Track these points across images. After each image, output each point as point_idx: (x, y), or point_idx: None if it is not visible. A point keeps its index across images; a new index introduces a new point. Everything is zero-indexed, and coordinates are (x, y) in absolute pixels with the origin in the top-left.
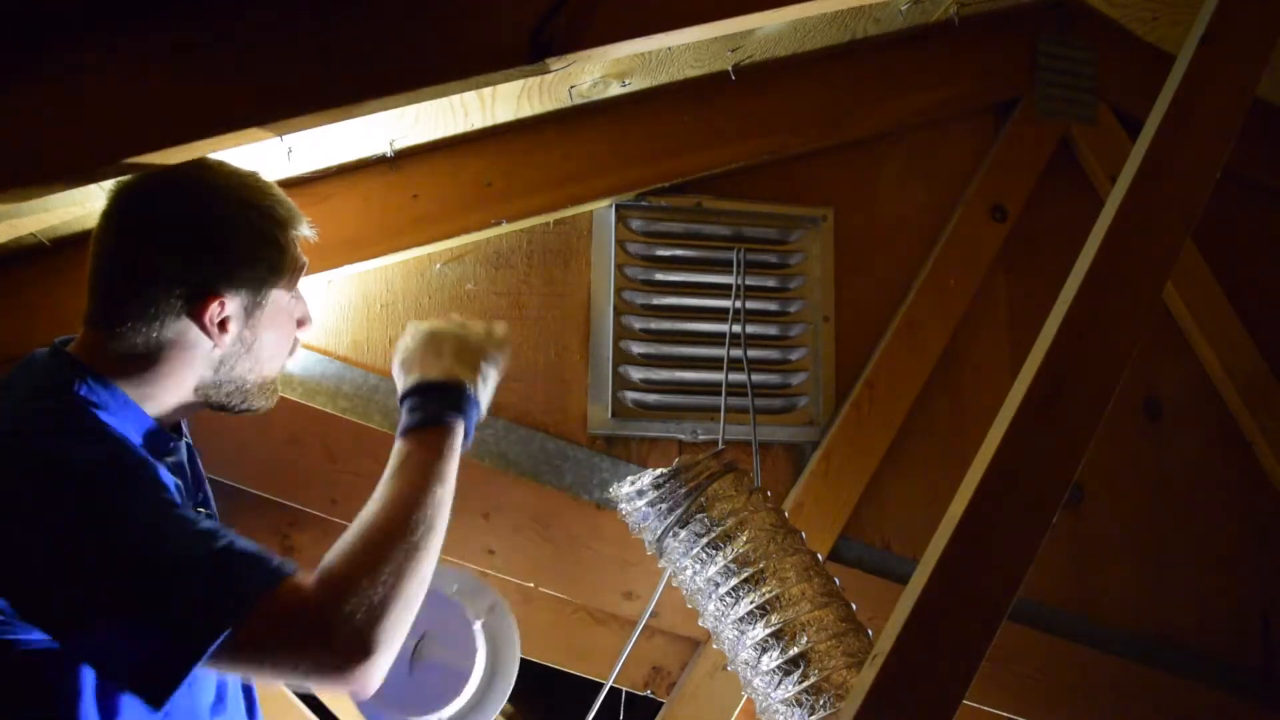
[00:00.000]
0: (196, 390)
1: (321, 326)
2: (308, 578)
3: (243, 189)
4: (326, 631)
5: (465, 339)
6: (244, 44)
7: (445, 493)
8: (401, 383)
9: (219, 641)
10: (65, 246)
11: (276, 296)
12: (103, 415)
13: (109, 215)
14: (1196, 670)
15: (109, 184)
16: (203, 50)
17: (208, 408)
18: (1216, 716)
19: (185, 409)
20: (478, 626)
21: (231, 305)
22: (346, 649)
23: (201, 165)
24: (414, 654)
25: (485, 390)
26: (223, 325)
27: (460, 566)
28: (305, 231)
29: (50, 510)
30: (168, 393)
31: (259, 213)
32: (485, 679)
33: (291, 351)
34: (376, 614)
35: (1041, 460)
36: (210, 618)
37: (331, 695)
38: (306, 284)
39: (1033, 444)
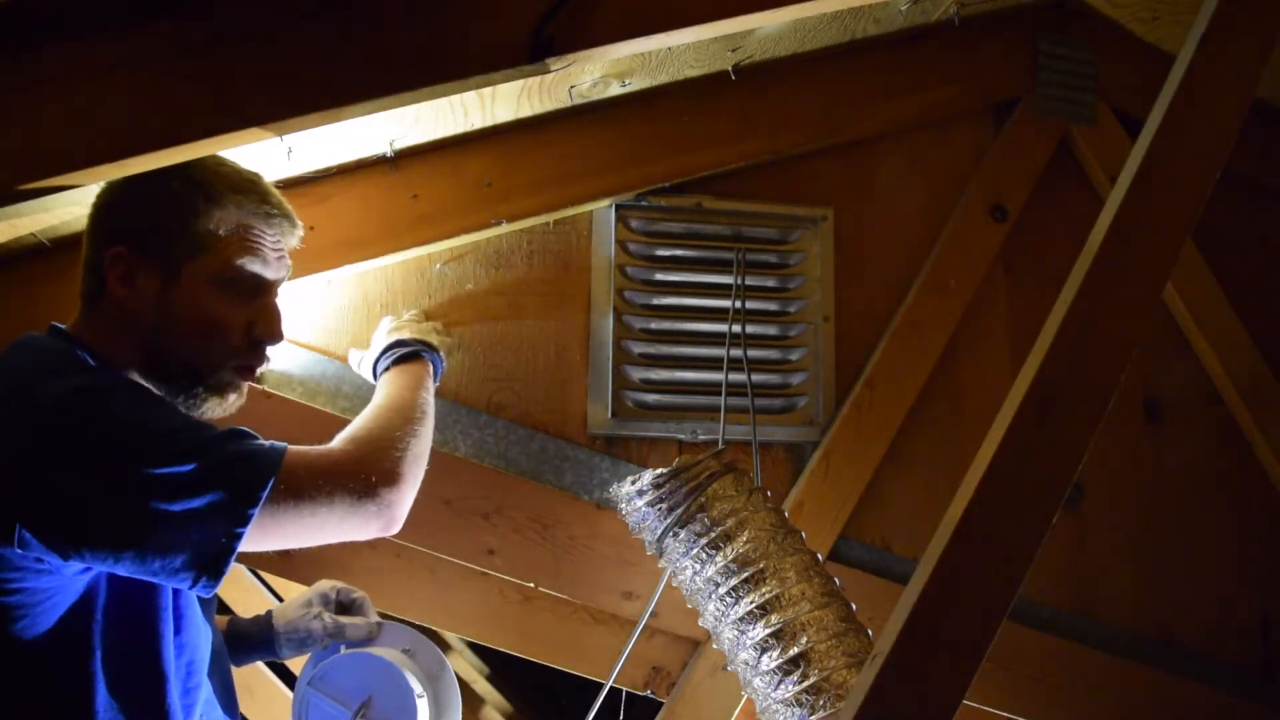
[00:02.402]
0: (144, 368)
1: (321, 327)
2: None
3: (188, 165)
4: (362, 462)
5: (422, 323)
6: (244, 44)
7: (430, 402)
8: (376, 349)
9: (267, 489)
10: (65, 246)
11: (195, 274)
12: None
13: None
14: (1196, 670)
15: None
16: (203, 50)
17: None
18: (1216, 716)
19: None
20: (422, 702)
21: (137, 263)
22: (381, 475)
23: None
24: (355, 715)
25: (444, 358)
26: (128, 280)
27: (461, 565)
28: (250, 220)
29: (95, 437)
30: (130, 371)
31: (180, 179)
32: None
33: (237, 353)
34: (399, 453)
35: (1041, 460)
36: (257, 471)
37: (364, 535)
38: (303, 285)
39: (1033, 444)
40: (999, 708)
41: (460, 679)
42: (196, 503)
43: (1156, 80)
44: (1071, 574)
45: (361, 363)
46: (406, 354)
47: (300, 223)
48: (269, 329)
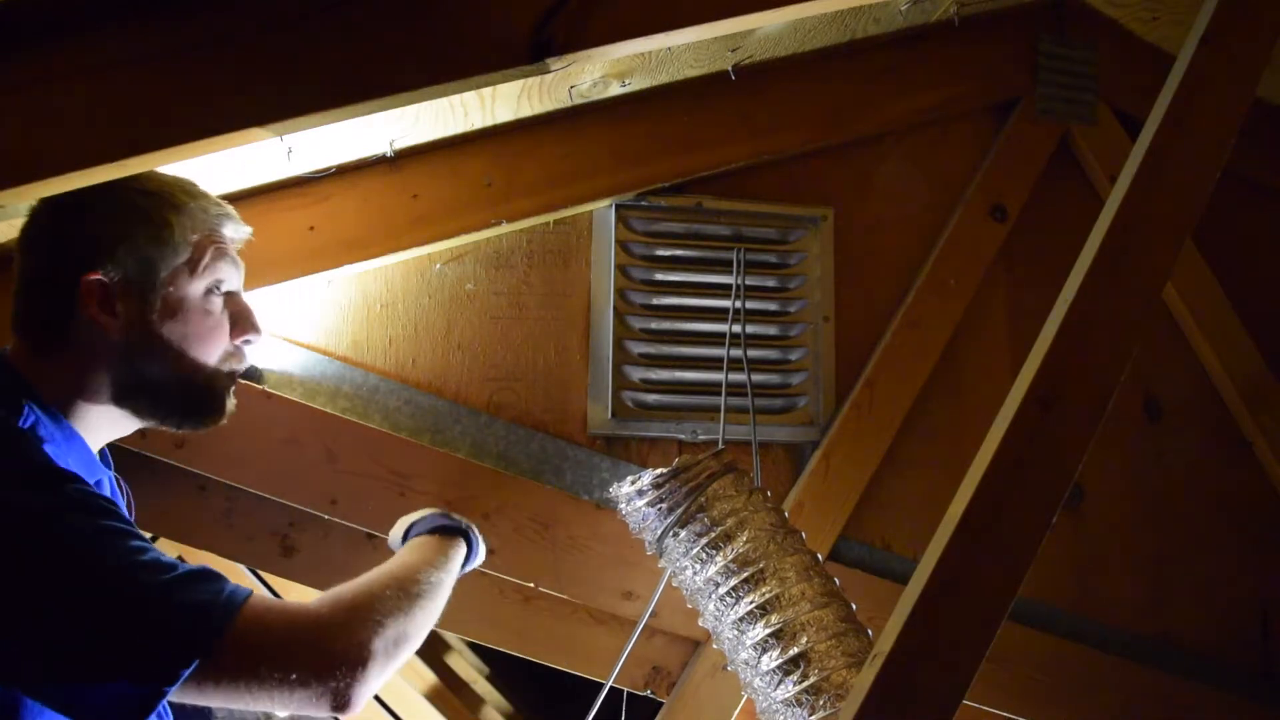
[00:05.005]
0: (117, 398)
1: (321, 327)
2: (283, 601)
3: (135, 179)
4: (329, 634)
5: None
6: (244, 44)
7: (444, 582)
8: (415, 516)
9: (189, 670)
10: None
11: (178, 285)
12: (47, 448)
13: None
14: (1196, 670)
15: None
16: (203, 50)
17: (145, 425)
18: (1216, 716)
19: (113, 425)
20: None
21: (116, 287)
22: (347, 652)
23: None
24: None
25: (481, 546)
26: (108, 307)
27: None
28: (214, 224)
29: (7, 564)
30: (91, 405)
31: (141, 193)
32: None
33: (226, 358)
34: (378, 630)
35: (1042, 460)
36: (178, 649)
37: (313, 713)
38: (303, 285)
39: (1033, 444)
40: (999, 708)
41: (460, 679)
42: (112, 660)
43: (1156, 80)
44: (1071, 574)
45: (394, 533)
46: (442, 527)
47: (246, 224)
48: (249, 326)
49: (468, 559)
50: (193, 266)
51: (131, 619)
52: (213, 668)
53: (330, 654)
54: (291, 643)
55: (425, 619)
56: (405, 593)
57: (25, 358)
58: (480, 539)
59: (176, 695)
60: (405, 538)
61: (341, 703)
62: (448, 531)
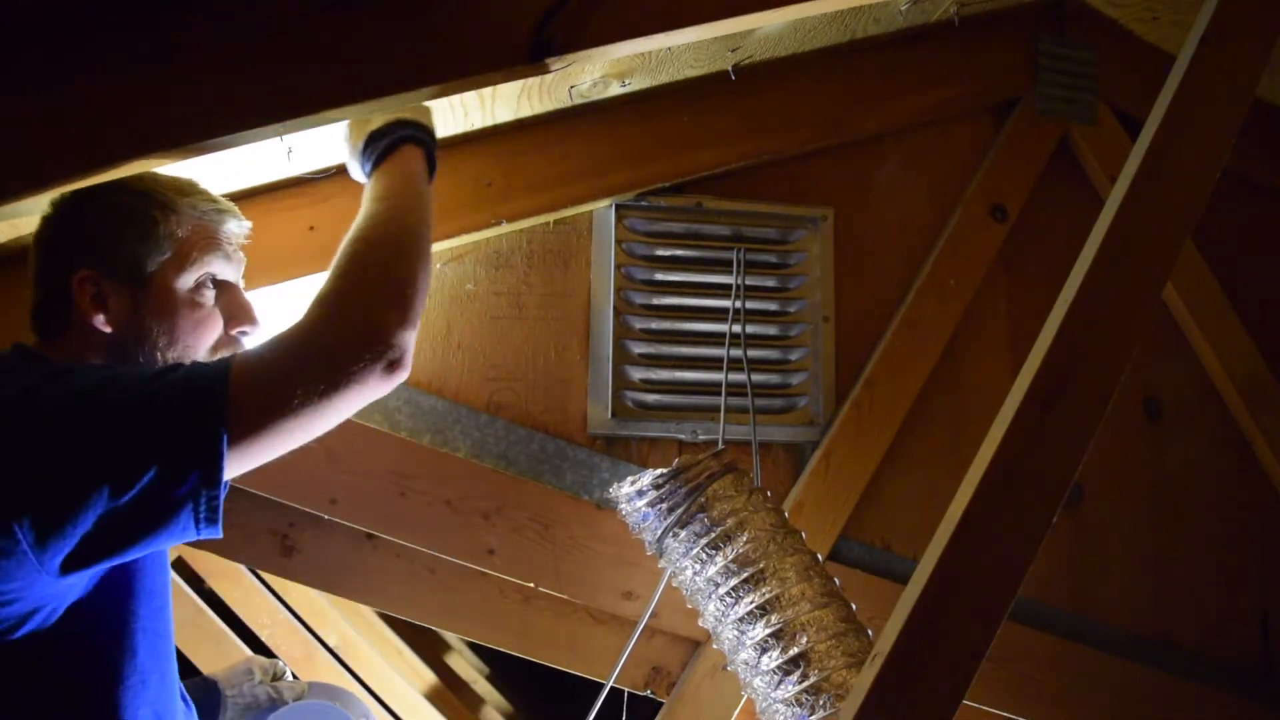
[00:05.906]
0: None
1: None
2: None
3: (127, 180)
4: (324, 340)
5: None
6: (244, 44)
7: (424, 196)
8: (353, 148)
9: (224, 445)
10: None
11: (166, 279)
12: None
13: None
14: (1196, 670)
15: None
16: (203, 50)
17: None
18: (1216, 716)
19: None
20: None
21: (106, 283)
22: (351, 339)
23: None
24: None
25: (434, 134)
26: (100, 302)
27: (461, 565)
28: (206, 220)
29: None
30: None
31: (131, 193)
32: None
33: (218, 348)
34: (370, 300)
35: (1041, 460)
36: (195, 430)
37: (379, 395)
38: (304, 284)
39: (1033, 444)
40: (999, 708)
41: (460, 679)
42: (145, 484)
43: (1156, 80)
44: (1071, 574)
45: (353, 170)
46: (388, 146)
47: (245, 218)
48: (245, 318)
49: (431, 162)
50: (180, 262)
51: (145, 424)
52: (241, 426)
53: (342, 348)
54: (298, 361)
55: (422, 246)
56: (394, 239)
57: (43, 349)
58: (428, 129)
59: (242, 465)
60: (362, 165)
61: (386, 374)
62: (396, 146)
